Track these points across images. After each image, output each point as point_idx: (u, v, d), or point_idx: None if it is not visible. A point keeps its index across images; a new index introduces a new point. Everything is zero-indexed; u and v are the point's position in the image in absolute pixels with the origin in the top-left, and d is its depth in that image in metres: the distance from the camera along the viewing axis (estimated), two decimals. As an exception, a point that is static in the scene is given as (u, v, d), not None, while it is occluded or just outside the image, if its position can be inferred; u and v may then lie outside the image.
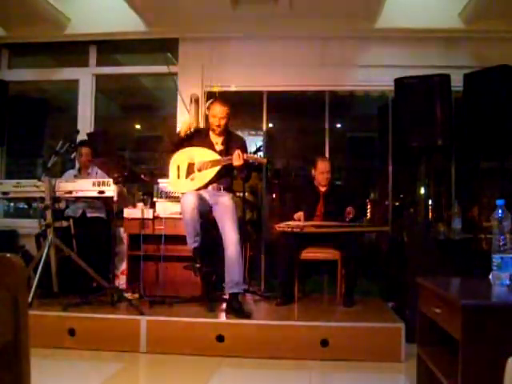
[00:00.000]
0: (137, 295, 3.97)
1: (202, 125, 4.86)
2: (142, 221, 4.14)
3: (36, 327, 2.81)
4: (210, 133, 3.81)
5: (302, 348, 3.13)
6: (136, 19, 4.80)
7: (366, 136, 6.45)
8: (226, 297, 3.53)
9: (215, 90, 4.72)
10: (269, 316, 3.65)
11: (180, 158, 3.77)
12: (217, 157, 3.69)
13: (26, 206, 5.51)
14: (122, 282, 4.26)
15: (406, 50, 4.87)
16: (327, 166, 4.16)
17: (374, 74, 4.89)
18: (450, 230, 4.26)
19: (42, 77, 5.50)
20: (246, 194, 4.20)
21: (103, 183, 3.74)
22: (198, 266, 3.57)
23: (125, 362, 3.10)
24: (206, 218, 3.63)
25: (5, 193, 3.84)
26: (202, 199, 3.60)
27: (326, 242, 3.93)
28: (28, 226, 4.73)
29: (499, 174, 4.44)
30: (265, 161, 4.01)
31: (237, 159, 3.51)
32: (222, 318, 3.39)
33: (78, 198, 4.06)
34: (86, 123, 5.20)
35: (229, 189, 3.79)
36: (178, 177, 3.76)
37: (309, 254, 3.97)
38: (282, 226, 3.93)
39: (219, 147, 3.77)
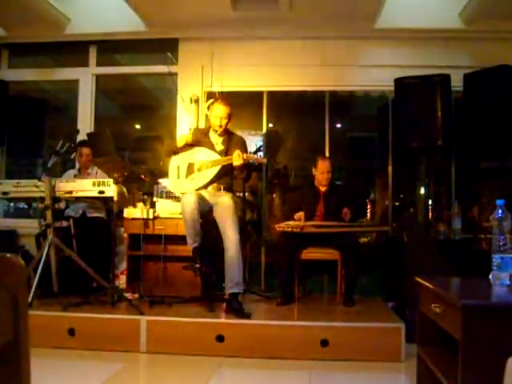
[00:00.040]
0: (137, 295, 3.98)
1: (201, 125, 4.87)
2: (143, 221, 4.15)
3: (36, 327, 2.81)
4: (210, 133, 3.81)
5: (302, 348, 3.13)
6: (136, 19, 4.80)
7: (366, 136, 6.46)
8: (226, 297, 3.53)
9: (215, 90, 4.73)
10: (269, 316, 3.65)
11: (180, 158, 3.77)
12: (217, 157, 3.69)
13: (26, 206, 5.51)
14: (122, 281, 4.25)
15: (406, 50, 4.87)
16: (328, 165, 4.16)
17: (373, 74, 4.89)
18: (450, 230, 4.26)
19: (42, 77, 5.50)
20: (246, 194, 4.20)
21: (103, 183, 3.74)
22: (197, 266, 3.57)
23: (125, 361, 3.10)
24: (206, 218, 3.63)
25: (5, 193, 3.84)
26: (202, 199, 3.60)
27: (326, 242, 3.93)
28: (28, 226, 4.72)
29: (499, 173, 4.44)
30: (265, 161, 4.02)
31: (237, 159, 3.51)
32: (222, 318, 3.39)
33: (78, 198, 4.06)
34: (86, 123, 5.20)
35: (229, 189, 3.79)
36: (178, 177, 3.77)
37: (309, 254, 3.97)
38: (282, 226, 3.93)
39: (219, 147, 3.77)
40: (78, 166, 4.52)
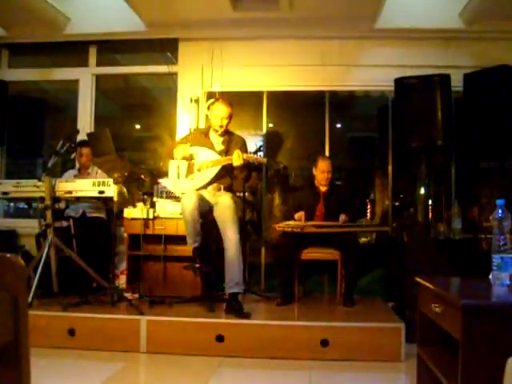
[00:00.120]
0: (137, 295, 3.97)
1: (201, 125, 4.87)
2: (143, 221, 4.15)
3: (36, 327, 2.82)
4: (211, 133, 3.81)
5: (302, 348, 3.13)
6: (136, 19, 4.80)
7: (366, 136, 6.46)
8: (226, 297, 3.53)
9: (216, 90, 4.73)
10: (269, 316, 3.65)
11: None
12: (217, 157, 3.69)
13: (26, 206, 5.51)
14: (122, 281, 4.25)
15: (406, 50, 4.86)
16: (328, 165, 4.16)
17: (374, 74, 4.89)
18: (450, 230, 4.26)
19: (42, 77, 5.49)
20: (246, 194, 4.20)
21: (103, 183, 3.74)
22: (197, 266, 3.57)
23: (125, 361, 3.10)
24: (206, 217, 3.63)
25: (5, 193, 3.84)
26: (202, 199, 3.60)
27: (326, 242, 3.93)
28: (28, 225, 4.73)
29: (499, 173, 4.45)
30: (265, 161, 4.02)
31: (237, 159, 3.51)
32: (222, 318, 3.39)
33: (78, 198, 4.06)
34: (85, 123, 5.20)
35: (229, 189, 3.79)
36: (178, 177, 3.77)
37: (309, 253, 3.97)
38: (282, 226, 3.93)
39: (219, 147, 3.77)
40: (77, 165, 4.52)
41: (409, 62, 4.75)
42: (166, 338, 3.23)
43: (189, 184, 3.71)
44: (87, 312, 3.41)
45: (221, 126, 3.71)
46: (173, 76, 5.05)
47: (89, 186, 3.76)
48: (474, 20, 4.54)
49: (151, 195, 4.28)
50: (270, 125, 5.24)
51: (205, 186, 3.71)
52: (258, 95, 5.06)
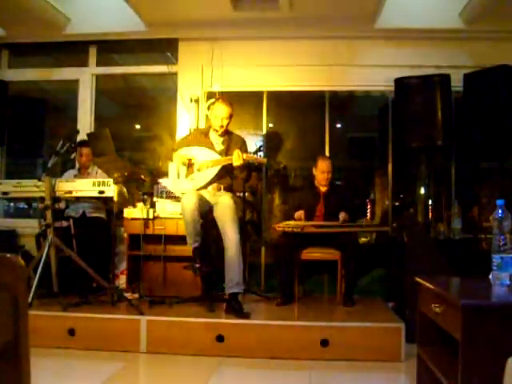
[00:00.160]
0: (137, 295, 3.97)
1: (201, 125, 4.87)
2: (143, 221, 4.15)
3: (36, 327, 2.82)
4: (211, 132, 3.81)
5: (302, 348, 3.13)
6: (136, 19, 4.80)
7: (366, 136, 6.45)
8: (226, 297, 3.53)
9: (216, 90, 4.73)
10: (269, 316, 3.65)
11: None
12: (217, 157, 3.69)
13: (26, 206, 5.51)
14: (122, 281, 4.26)
15: (406, 50, 4.86)
16: (328, 165, 4.16)
17: (374, 74, 4.89)
18: (450, 230, 4.26)
19: (42, 77, 5.49)
20: (246, 194, 4.20)
21: (103, 183, 3.74)
22: (197, 266, 3.57)
23: (125, 361, 3.11)
24: (206, 217, 3.63)
25: (5, 193, 3.84)
26: (202, 199, 3.60)
27: (326, 242, 3.93)
28: (28, 225, 4.73)
29: (499, 173, 4.44)
30: (265, 161, 4.02)
31: (236, 159, 3.51)
32: (222, 318, 3.39)
33: (78, 198, 4.06)
34: (85, 123, 5.20)
35: (229, 189, 3.79)
36: (178, 177, 3.77)
37: (309, 253, 3.98)
38: (282, 226, 3.93)
39: (219, 147, 3.77)
40: (77, 165, 4.52)
41: (409, 61, 4.75)
42: (165, 337, 3.23)
43: (189, 184, 3.71)
44: (87, 312, 3.41)
45: (221, 126, 3.71)
46: (173, 76, 5.05)
47: (89, 186, 3.76)
48: (474, 20, 4.54)
49: (151, 195, 4.28)
50: (270, 125, 5.24)
51: (205, 186, 3.71)
52: (257, 95, 5.06)
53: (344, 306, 3.79)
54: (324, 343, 3.10)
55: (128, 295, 3.86)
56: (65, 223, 4.18)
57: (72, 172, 4.50)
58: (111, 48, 5.34)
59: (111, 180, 3.75)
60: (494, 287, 1.94)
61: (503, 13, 4.36)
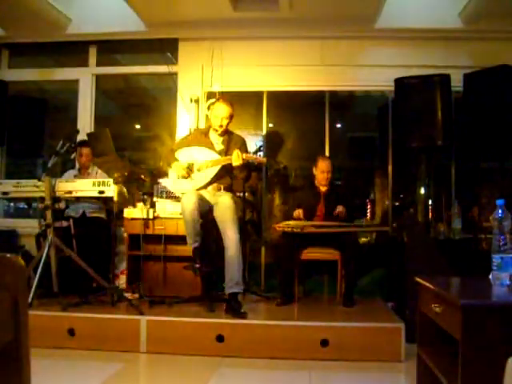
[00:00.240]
0: (137, 295, 3.97)
1: (201, 125, 4.87)
2: (143, 221, 4.15)
3: (36, 327, 2.81)
4: (211, 132, 3.81)
5: (302, 348, 3.13)
6: (136, 19, 4.80)
7: (366, 136, 6.45)
8: (226, 297, 3.53)
9: (216, 90, 4.73)
10: (269, 316, 3.66)
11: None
12: (217, 157, 3.69)
13: (26, 206, 5.52)
14: (122, 281, 4.25)
15: (406, 49, 4.87)
16: (328, 165, 4.16)
17: (374, 74, 4.89)
18: (450, 229, 4.26)
19: (42, 77, 5.49)
20: (246, 194, 4.20)
21: (103, 183, 3.74)
22: (197, 266, 3.57)
23: (125, 361, 3.10)
24: (206, 217, 3.63)
25: (5, 193, 3.84)
26: (202, 199, 3.60)
27: (327, 242, 3.93)
28: (28, 225, 4.73)
29: (499, 173, 4.44)
30: (264, 160, 4.02)
31: (236, 159, 3.51)
32: (222, 318, 3.38)
33: (78, 198, 4.06)
34: (85, 123, 5.20)
35: (229, 189, 3.79)
36: (178, 177, 3.76)
37: (309, 253, 3.97)
38: (282, 226, 3.93)
39: (219, 147, 3.77)
40: (77, 166, 4.52)
41: (409, 61, 4.75)
42: (166, 337, 3.23)
43: (189, 184, 3.71)
44: (87, 312, 3.41)
45: (220, 126, 3.70)
46: (173, 76, 5.05)
47: (89, 186, 3.76)
48: (474, 20, 4.54)
49: (151, 195, 4.28)
50: (270, 125, 5.24)
51: (205, 186, 3.71)
52: (258, 95, 5.07)
53: (344, 306, 3.79)
54: (324, 343, 3.10)
55: (128, 295, 3.86)
56: (65, 223, 4.18)
57: (72, 172, 4.49)
58: (111, 48, 5.34)
59: (111, 180, 3.75)
60: (494, 287, 1.94)
61: (503, 13, 4.37)
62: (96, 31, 5.02)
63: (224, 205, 3.58)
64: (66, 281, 3.78)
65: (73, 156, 4.23)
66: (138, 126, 6.34)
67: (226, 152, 3.71)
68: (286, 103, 5.44)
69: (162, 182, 4.23)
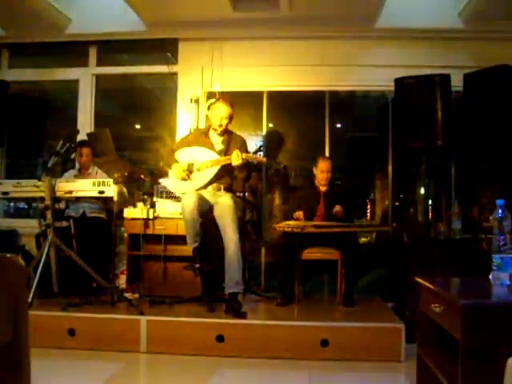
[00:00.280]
0: (137, 295, 3.97)
1: (201, 125, 4.87)
2: (143, 221, 4.15)
3: (36, 327, 2.81)
4: (210, 132, 3.81)
5: (302, 348, 3.13)
6: (136, 19, 4.80)
7: (365, 136, 6.45)
8: (226, 297, 3.53)
9: (216, 90, 4.73)
10: (269, 316, 3.66)
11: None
12: (216, 157, 3.69)
13: (26, 206, 5.51)
14: (122, 281, 4.25)
15: (406, 49, 4.87)
16: (328, 165, 4.16)
17: (374, 74, 4.89)
18: (450, 230, 4.26)
19: (42, 77, 5.50)
20: (246, 194, 4.20)
21: (103, 183, 3.74)
22: (197, 266, 3.57)
23: (125, 361, 3.11)
24: (206, 217, 3.63)
25: (5, 193, 3.84)
26: (202, 199, 3.60)
27: (327, 242, 3.93)
28: (28, 225, 4.73)
29: (499, 173, 4.44)
30: (264, 160, 4.02)
31: (236, 159, 3.51)
32: (222, 318, 3.38)
33: (78, 198, 4.06)
34: (86, 123, 5.20)
35: (229, 189, 3.79)
36: (178, 179, 3.76)
37: (309, 254, 3.97)
38: (282, 226, 3.93)
39: (219, 147, 3.77)
40: (77, 166, 4.52)
41: (409, 61, 4.75)
42: (166, 337, 3.23)
43: (189, 184, 3.71)
44: (87, 312, 3.41)
45: (220, 126, 3.71)
46: (173, 76, 5.05)
47: (89, 186, 3.76)
48: (474, 20, 4.54)
49: (151, 195, 4.28)
50: (270, 125, 5.24)
51: (205, 186, 3.71)
52: (258, 95, 5.07)
53: (344, 306, 3.79)
54: (324, 343, 3.10)
55: (128, 295, 3.86)
56: (65, 223, 4.18)
57: (72, 172, 4.50)
58: (111, 48, 5.34)
59: (111, 180, 3.75)
60: (494, 287, 1.94)
61: (503, 13, 4.37)
62: (96, 31, 5.02)
63: (224, 205, 3.58)
64: (66, 281, 3.78)
65: (73, 156, 4.23)
66: (138, 126, 6.34)
67: (226, 152, 3.71)
68: (286, 103, 5.44)
69: (162, 182, 4.23)
